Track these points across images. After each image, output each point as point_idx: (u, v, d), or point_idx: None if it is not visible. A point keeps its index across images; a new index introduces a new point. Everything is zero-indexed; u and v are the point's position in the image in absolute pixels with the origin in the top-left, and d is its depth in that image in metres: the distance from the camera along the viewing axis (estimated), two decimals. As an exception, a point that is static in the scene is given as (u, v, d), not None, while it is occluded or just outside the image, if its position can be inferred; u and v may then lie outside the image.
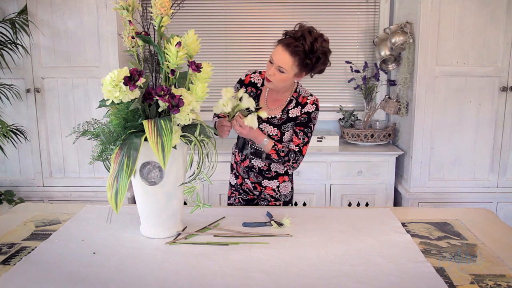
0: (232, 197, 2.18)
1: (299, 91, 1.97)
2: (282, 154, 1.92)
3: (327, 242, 1.58)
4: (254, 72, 2.02)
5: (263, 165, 2.04)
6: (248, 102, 1.74)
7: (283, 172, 2.07)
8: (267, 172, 2.05)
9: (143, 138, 1.41)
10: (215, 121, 1.95)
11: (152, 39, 1.51)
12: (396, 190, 3.27)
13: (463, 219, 1.82)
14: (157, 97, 1.42)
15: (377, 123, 3.43)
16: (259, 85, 2.00)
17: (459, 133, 2.98)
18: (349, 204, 3.22)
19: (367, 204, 3.21)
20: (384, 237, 1.62)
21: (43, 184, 3.16)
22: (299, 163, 1.97)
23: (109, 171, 1.44)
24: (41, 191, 3.16)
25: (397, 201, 3.30)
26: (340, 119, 3.52)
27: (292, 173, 2.12)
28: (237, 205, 2.16)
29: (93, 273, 1.35)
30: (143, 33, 1.52)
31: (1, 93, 2.94)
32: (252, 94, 1.99)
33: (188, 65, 1.49)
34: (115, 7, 1.55)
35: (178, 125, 1.50)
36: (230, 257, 1.46)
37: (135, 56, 1.60)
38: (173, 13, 1.49)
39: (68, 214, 1.85)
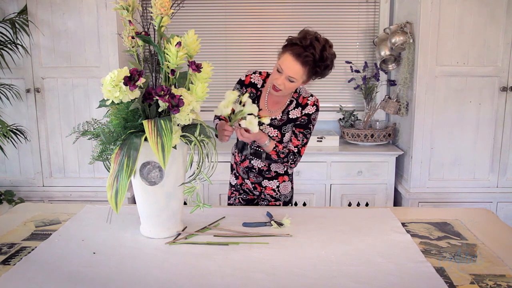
0: (232, 197, 2.18)
1: (300, 91, 1.97)
2: (282, 155, 1.93)
3: (327, 242, 1.58)
4: (254, 73, 2.01)
5: (263, 165, 2.04)
6: (251, 108, 1.72)
7: (283, 172, 2.07)
8: (267, 173, 2.05)
9: (143, 138, 1.41)
10: (216, 123, 1.95)
11: (152, 39, 1.51)
12: (396, 190, 3.27)
13: (463, 219, 1.82)
14: (157, 97, 1.42)
15: (377, 123, 3.43)
16: (259, 86, 1.99)
17: (459, 133, 2.98)
18: (349, 204, 3.22)
19: (367, 204, 3.21)
20: (384, 237, 1.62)
21: (43, 184, 3.17)
22: (297, 163, 1.99)
23: (109, 171, 1.43)
24: (41, 191, 3.16)
25: (397, 201, 3.30)
26: (340, 119, 3.52)
27: (292, 173, 2.12)
28: (237, 205, 2.16)
29: (93, 273, 1.35)
30: (143, 33, 1.51)
31: (1, 93, 2.94)
32: (252, 95, 1.98)
33: (188, 65, 1.49)
34: (115, 7, 1.55)
35: (178, 125, 1.50)
36: (230, 257, 1.45)
37: (135, 56, 1.60)
38: (173, 13, 1.49)
39: (68, 214, 1.85)
